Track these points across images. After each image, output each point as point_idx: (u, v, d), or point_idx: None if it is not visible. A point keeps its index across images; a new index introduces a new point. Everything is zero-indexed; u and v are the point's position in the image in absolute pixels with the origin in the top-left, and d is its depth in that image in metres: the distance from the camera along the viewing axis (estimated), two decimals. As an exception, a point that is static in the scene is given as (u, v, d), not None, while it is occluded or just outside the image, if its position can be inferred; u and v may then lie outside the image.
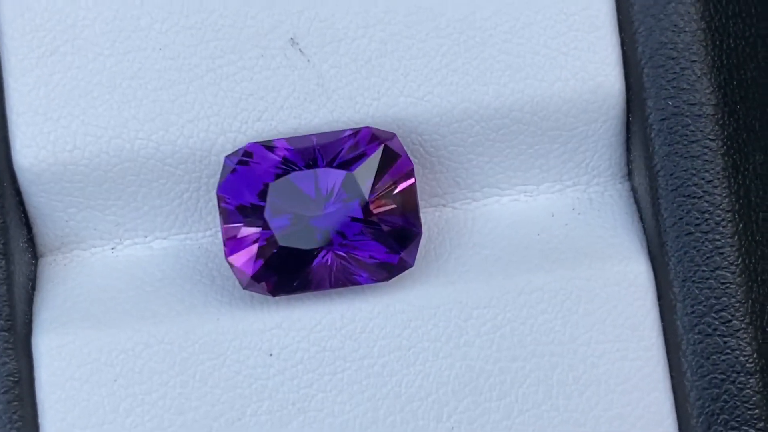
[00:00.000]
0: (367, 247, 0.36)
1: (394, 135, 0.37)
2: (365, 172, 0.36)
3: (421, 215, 0.38)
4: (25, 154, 0.37)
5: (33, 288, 0.38)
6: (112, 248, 0.39)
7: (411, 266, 0.36)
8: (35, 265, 0.39)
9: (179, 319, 0.37)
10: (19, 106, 0.37)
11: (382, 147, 0.36)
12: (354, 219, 0.36)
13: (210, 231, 0.39)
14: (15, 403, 0.36)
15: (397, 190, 0.36)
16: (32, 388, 0.37)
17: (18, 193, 0.38)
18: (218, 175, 0.38)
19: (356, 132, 0.36)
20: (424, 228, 0.38)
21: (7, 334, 0.36)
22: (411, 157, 0.37)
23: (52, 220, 0.38)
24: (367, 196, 0.36)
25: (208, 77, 0.37)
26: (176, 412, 0.36)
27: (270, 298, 0.37)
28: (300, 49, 0.37)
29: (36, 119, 0.37)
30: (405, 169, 0.36)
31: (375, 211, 0.36)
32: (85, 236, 0.39)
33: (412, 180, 0.36)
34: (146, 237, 0.39)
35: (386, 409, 0.37)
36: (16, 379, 0.36)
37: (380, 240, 0.36)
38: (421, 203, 0.38)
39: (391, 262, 0.36)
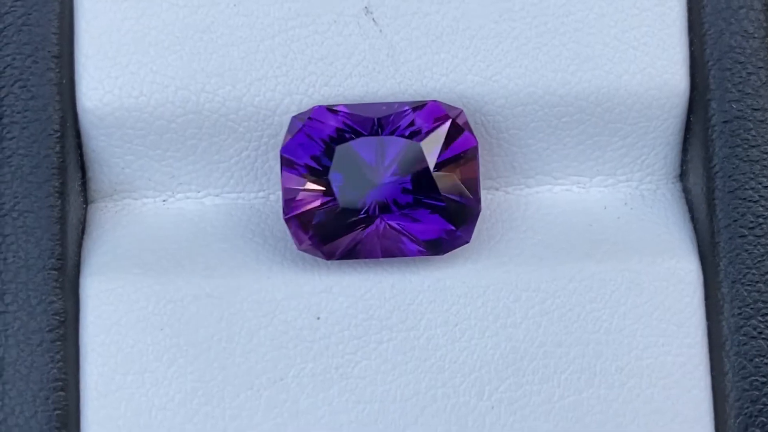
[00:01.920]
0: (422, 221, 0.36)
1: (461, 111, 0.37)
2: (430, 145, 0.36)
3: (478, 194, 0.38)
4: (90, 96, 0.37)
5: (83, 232, 0.38)
6: (164, 200, 0.39)
7: (467, 242, 0.36)
8: (85, 210, 0.39)
9: (230, 275, 0.37)
10: (88, 48, 0.37)
11: (449, 122, 0.36)
12: (414, 190, 0.36)
13: (263, 192, 0.39)
14: (58, 343, 0.36)
15: (460, 166, 0.36)
16: (77, 329, 0.36)
17: (78, 135, 0.38)
18: (279, 137, 0.38)
19: (424, 104, 0.37)
20: (478, 208, 0.38)
21: (57, 273, 0.36)
22: (473, 136, 0.37)
23: (108, 166, 0.38)
24: (430, 168, 0.36)
25: (279, 37, 0.37)
26: (219, 367, 0.36)
27: (322, 261, 0.37)
28: (373, 19, 0.38)
29: (104, 63, 0.37)
30: (469, 146, 0.36)
31: (435, 185, 0.36)
32: (138, 185, 0.39)
33: (476, 157, 0.36)
34: (199, 192, 0.39)
35: (428, 382, 0.37)
36: (62, 319, 0.36)
37: (439, 213, 0.36)
38: (476, 183, 0.38)
39: (447, 237, 0.36)
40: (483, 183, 0.39)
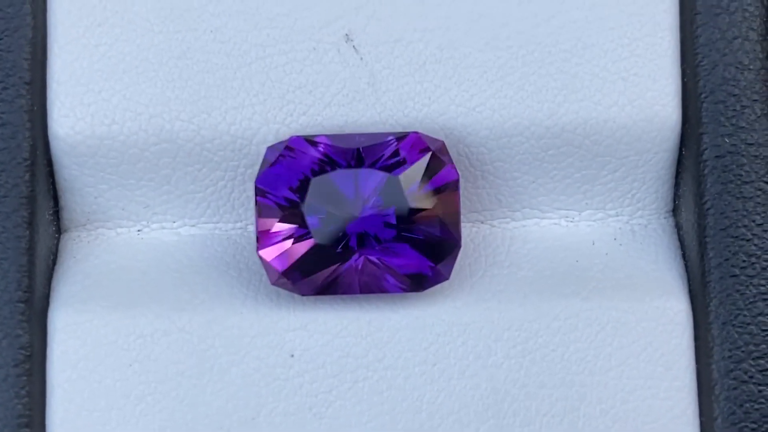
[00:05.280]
0: (402, 255, 0.35)
1: (442, 142, 0.36)
2: (409, 178, 0.35)
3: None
4: (62, 124, 0.36)
5: (54, 262, 0.37)
6: (139, 230, 0.38)
7: (446, 279, 0.35)
8: (58, 239, 0.38)
9: (202, 308, 0.36)
10: (60, 74, 0.36)
11: (429, 154, 0.35)
12: (391, 224, 0.35)
13: (240, 223, 0.38)
14: (24, 378, 0.35)
15: (439, 200, 0.35)
16: (43, 364, 0.35)
17: (49, 163, 0.37)
18: (256, 166, 0.37)
19: (404, 136, 0.35)
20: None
21: (23, 305, 0.35)
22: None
23: (81, 195, 0.37)
24: (408, 202, 0.35)
25: (256, 65, 0.36)
26: (189, 405, 0.35)
27: (296, 297, 0.36)
28: (354, 46, 0.36)
29: (77, 89, 0.36)
30: (450, 179, 0.35)
31: (415, 219, 0.35)
32: (112, 215, 0.37)
33: (457, 191, 0.35)
34: (174, 222, 0.38)
35: (404, 424, 0.35)
36: (28, 354, 0.35)
37: (417, 249, 0.35)
38: (460, 217, 0.37)
39: (425, 273, 0.35)
40: (467, 216, 0.38)
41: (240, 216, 0.38)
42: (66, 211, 0.38)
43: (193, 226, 0.38)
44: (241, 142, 0.36)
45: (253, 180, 0.37)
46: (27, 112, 0.36)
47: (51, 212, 0.37)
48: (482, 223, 0.38)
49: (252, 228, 0.38)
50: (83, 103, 0.36)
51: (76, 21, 0.36)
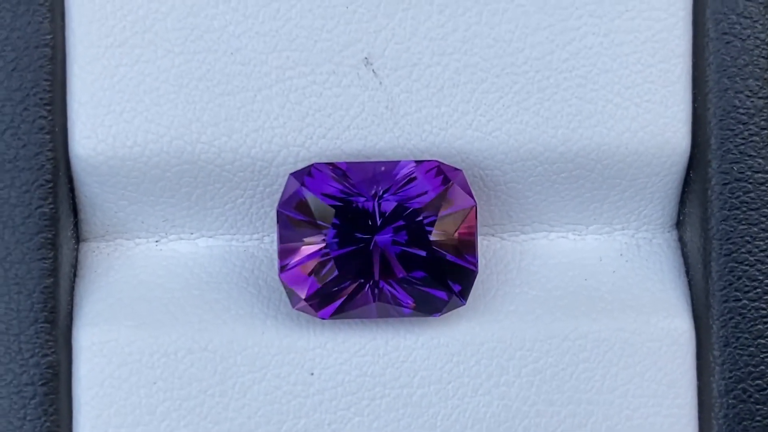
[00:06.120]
0: (421, 281, 0.36)
1: (461, 171, 0.36)
2: (429, 207, 0.36)
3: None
4: (83, 145, 0.36)
5: (75, 274, 0.38)
6: (156, 241, 0.38)
7: (463, 305, 0.36)
8: (77, 250, 0.38)
9: (224, 328, 0.37)
10: (81, 95, 0.36)
11: (448, 184, 0.36)
12: (410, 252, 0.36)
13: (257, 235, 0.38)
14: (51, 396, 0.36)
15: (457, 228, 0.36)
16: (70, 382, 0.36)
17: (70, 180, 0.37)
18: (275, 186, 0.37)
19: (422, 163, 0.36)
20: (474, 259, 0.38)
21: (49, 326, 0.36)
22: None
23: (101, 210, 0.38)
24: (426, 231, 0.36)
25: (277, 87, 0.37)
26: (212, 422, 0.36)
27: (315, 318, 0.37)
28: (373, 70, 0.37)
29: (98, 111, 0.36)
30: (467, 207, 0.36)
31: (434, 247, 0.36)
32: (131, 227, 0.38)
33: (474, 220, 0.36)
34: (192, 234, 0.38)
35: (420, 439, 0.37)
36: (55, 372, 0.36)
37: (435, 276, 0.36)
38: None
39: (443, 299, 0.36)
40: (479, 229, 0.39)
41: (257, 228, 0.38)
42: (85, 223, 0.38)
43: (211, 237, 0.38)
44: (261, 164, 0.37)
45: (272, 197, 0.37)
46: (48, 133, 0.36)
47: (72, 228, 0.38)
48: (493, 236, 0.39)
49: (268, 239, 0.38)
50: (104, 125, 0.36)
51: (96, 41, 0.36)
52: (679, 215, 0.39)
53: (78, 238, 0.38)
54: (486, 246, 0.39)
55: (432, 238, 0.36)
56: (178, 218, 0.38)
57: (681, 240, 0.39)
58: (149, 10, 0.36)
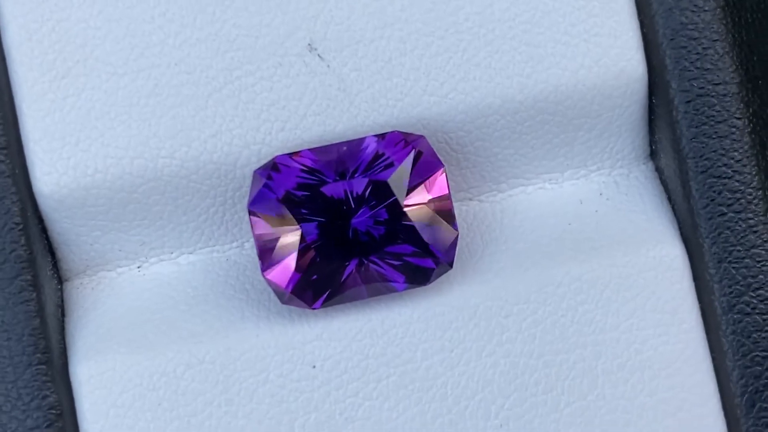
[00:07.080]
0: (403, 253, 0.36)
1: (422, 137, 0.36)
2: (398, 178, 0.35)
3: (451, 212, 0.37)
4: (45, 182, 0.36)
5: (62, 314, 0.38)
6: (138, 267, 0.38)
7: (450, 268, 0.36)
8: (61, 290, 0.38)
9: (218, 337, 0.36)
10: (35, 133, 0.36)
11: (413, 152, 0.36)
12: (389, 226, 0.35)
13: (236, 242, 0.38)
14: (59, 436, 0.35)
15: (430, 194, 0.36)
16: (75, 419, 0.36)
17: (40, 220, 0.37)
18: (244, 188, 0.37)
19: (384, 136, 0.36)
20: (455, 225, 0.38)
21: (45, 366, 0.36)
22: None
23: (77, 245, 0.38)
24: (399, 201, 0.35)
25: (226, 90, 0.37)
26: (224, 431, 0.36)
27: (307, 310, 0.37)
28: (318, 55, 0.37)
29: (53, 145, 0.36)
30: (437, 171, 0.36)
31: (409, 216, 0.35)
32: (110, 258, 0.38)
33: (445, 182, 0.36)
34: (172, 253, 0.38)
35: (434, 411, 0.36)
36: (58, 412, 0.36)
37: (417, 245, 0.35)
38: (449, 200, 0.38)
39: (430, 266, 0.36)
40: (455, 195, 0.38)
41: (235, 236, 0.38)
42: (64, 262, 0.38)
43: (191, 253, 0.38)
44: (226, 168, 0.37)
45: (243, 201, 0.37)
46: (9, 176, 0.36)
47: (51, 267, 0.37)
48: (470, 200, 0.39)
49: (248, 245, 0.38)
50: (62, 157, 0.36)
51: (39, 77, 0.36)
52: (651, 145, 0.39)
53: (60, 279, 0.38)
54: (465, 211, 0.38)
55: (407, 209, 0.35)
56: (155, 239, 0.38)
57: (658, 169, 0.39)
58: (87, 37, 0.36)
